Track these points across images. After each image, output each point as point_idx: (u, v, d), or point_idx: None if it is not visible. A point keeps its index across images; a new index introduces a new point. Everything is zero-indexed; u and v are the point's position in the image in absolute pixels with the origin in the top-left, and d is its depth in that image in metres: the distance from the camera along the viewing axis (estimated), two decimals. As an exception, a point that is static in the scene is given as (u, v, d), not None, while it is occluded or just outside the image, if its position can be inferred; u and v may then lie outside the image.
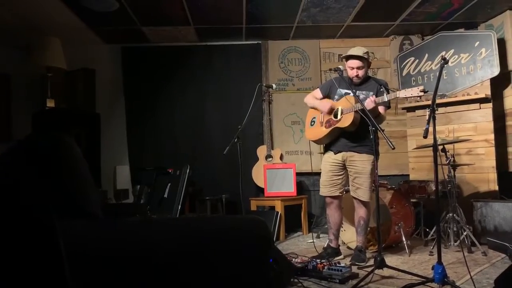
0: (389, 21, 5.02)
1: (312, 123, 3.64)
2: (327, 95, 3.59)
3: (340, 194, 3.52)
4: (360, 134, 3.30)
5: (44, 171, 1.25)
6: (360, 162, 3.35)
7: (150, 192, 4.98)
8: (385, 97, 3.11)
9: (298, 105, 5.56)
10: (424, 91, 2.89)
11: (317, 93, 3.66)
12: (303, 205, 4.92)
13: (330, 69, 3.34)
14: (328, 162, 3.51)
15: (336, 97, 3.49)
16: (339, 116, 3.35)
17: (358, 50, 3.37)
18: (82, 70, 5.29)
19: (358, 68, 3.36)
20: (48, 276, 0.87)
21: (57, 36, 4.77)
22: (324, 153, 3.64)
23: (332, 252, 3.50)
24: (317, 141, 3.63)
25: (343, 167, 3.46)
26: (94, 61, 5.46)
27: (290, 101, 5.58)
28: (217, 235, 1.49)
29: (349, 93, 3.34)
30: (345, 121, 3.28)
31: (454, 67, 4.72)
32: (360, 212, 3.42)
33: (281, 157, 5.31)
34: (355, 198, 3.42)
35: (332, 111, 3.44)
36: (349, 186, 3.52)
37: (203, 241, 1.42)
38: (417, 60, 5.06)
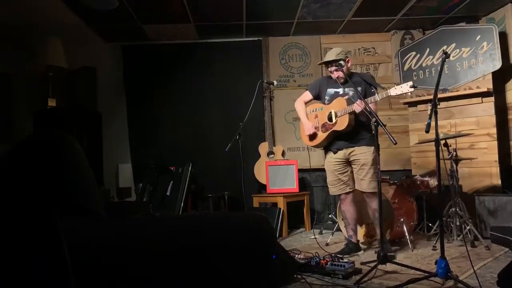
0: (390, 16, 5.00)
1: None
2: (317, 95, 3.64)
3: (351, 190, 3.52)
4: (356, 130, 3.35)
5: (46, 170, 1.25)
6: (361, 154, 3.39)
7: (153, 190, 5.00)
8: (377, 97, 3.18)
9: (299, 102, 5.55)
10: (414, 87, 2.92)
11: (307, 95, 3.70)
12: (305, 201, 4.92)
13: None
14: (331, 163, 3.54)
15: (326, 97, 3.55)
16: (333, 120, 3.41)
17: (330, 55, 3.46)
18: (83, 69, 5.29)
19: (336, 70, 3.42)
20: (51, 274, 0.87)
21: (58, 35, 4.78)
22: (324, 154, 3.67)
23: (354, 247, 3.52)
24: (316, 146, 3.67)
25: (347, 163, 3.48)
26: (94, 60, 5.46)
27: (291, 97, 5.54)
28: (220, 232, 1.49)
29: (339, 92, 3.46)
30: (342, 124, 3.36)
31: (455, 61, 4.70)
32: (373, 204, 3.43)
33: (283, 154, 5.30)
34: (362, 192, 3.43)
35: (315, 136, 3.54)
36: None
37: (206, 238, 1.43)
38: (418, 55, 5.04)
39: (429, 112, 2.61)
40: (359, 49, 5.57)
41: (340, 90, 3.47)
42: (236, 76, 5.51)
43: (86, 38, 5.25)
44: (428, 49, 4.94)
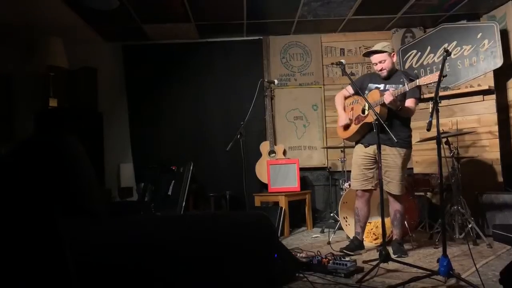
0: (391, 14, 4.99)
1: None
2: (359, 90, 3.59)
3: (373, 188, 3.49)
4: (391, 126, 3.28)
5: (47, 171, 1.25)
6: (391, 155, 3.33)
7: (154, 190, 5.00)
8: (406, 87, 3.14)
9: (300, 100, 5.55)
10: (443, 76, 2.88)
11: (348, 90, 3.69)
12: (307, 200, 4.92)
13: (332, 64, 3.36)
14: (359, 156, 3.51)
15: (366, 92, 3.50)
16: (366, 112, 3.39)
17: (378, 45, 3.44)
18: (84, 69, 5.29)
19: (380, 62, 3.41)
20: (51, 274, 0.87)
21: (58, 35, 4.78)
22: (354, 146, 3.64)
23: (359, 244, 3.52)
24: (349, 138, 3.66)
25: (375, 160, 3.44)
26: (95, 60, 5.45)
27: (292, 96, 5.57)
28: (222, 231, 1.49)
29: (379, 87, 3.41)
30: (372, 116, 3.29)
31: (456, 59, 4.70)
32: (395, 206, 3.44)
33: (284, 153, 5.30)
34: (387, 192, 3.42)
35: (348, 127, 3.52)
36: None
37: (208, 238, 1.43)
38: (420, 53, 5.03)
39: (430, 110, 2.60)
40: (360, 47, 5.56)
41: (381, 86, 3.42)
42: (237, 75, 5.51)
43: (87, 38, 5.25)
44: (429, 47, 4.94)
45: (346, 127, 3.58)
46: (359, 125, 3.43)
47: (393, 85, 3.39)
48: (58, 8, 4.34)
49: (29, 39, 4.79)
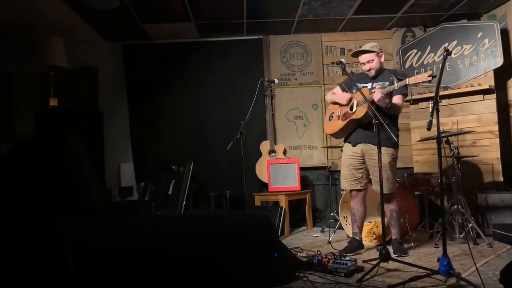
0: (391, 13, 4.98)
1: (330, 117, 3.67)
2: (347, 90, 3.59)
3: (363, 188, 3.49)
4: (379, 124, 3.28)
5: (47, 171, 1.26)
6: (377, 155, 3.32)
7: (154, 189, 5.00)
8: (396, 85, 3.15)
9: (300, 100, 5.55)
10: (433, 76, 2.88)
11: (337, 90, 3.70)
12: (307, 199, 4.92)
13: (332, 63, 3.37)
14: (348, 156, 3.50)
15: (354, 91, 3.50)
16: (354, 109, 3.39)
17: (366, 46, 3.46)
18: (84, 68, 5.30)
19: (368, 62, 3.43)
20: (51, 274, 0.87)
21: (58, 35, 4.78)
22: (343, 144, 3.63)
23: (357, 245, 3.51)
24: (335, 134, 3.64)
25: (363, 160, 3.44)
26: (95, 60, 5.46)
27: (292, 95, 5.57)
28: (222, 231, 1.49)
29: (367, 86, 3.41)
30: (359, 112, 3.31)
31: (457, 58, 4.69)
32: (389, 205, 3.44)
33: (285, 152, 5.31)
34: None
35: (350, 101, 3.48)
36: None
37: (208, 237, 1.43)
38: (420, 52, 5.03)
39: (430, 109, 2.60)
40: (360, 46, 5.55)
41: (369, 85, 3.43)
42: (237, 74, 5.51)
43: (87, 37, 5.25)
44: (429, 47, 4.93)
45: (334, 123, 3.55)
46: (345, 121, 3.42)
47: (380, 83, 3.40)
48: (58, 8, 4.34)
49: (29, 39, 4.79)
